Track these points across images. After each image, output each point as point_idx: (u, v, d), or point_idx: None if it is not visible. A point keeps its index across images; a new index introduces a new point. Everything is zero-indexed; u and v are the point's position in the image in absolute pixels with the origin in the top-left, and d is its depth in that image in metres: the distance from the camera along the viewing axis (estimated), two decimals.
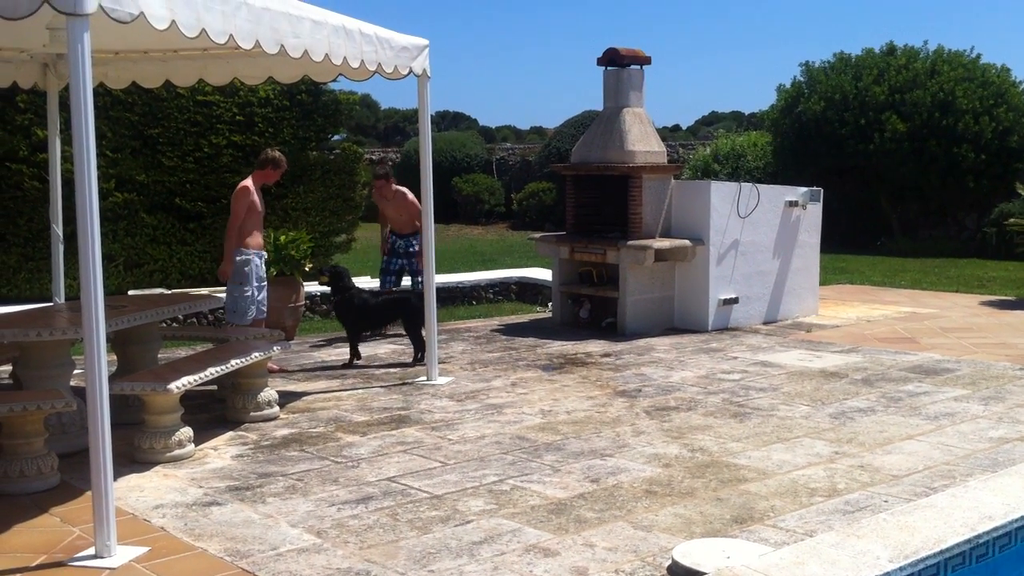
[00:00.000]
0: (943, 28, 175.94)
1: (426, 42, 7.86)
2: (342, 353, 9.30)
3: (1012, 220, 14.93)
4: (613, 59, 10.92)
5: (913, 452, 6.09)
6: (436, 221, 8.45)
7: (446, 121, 62.84)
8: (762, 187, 11.26)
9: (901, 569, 4.13)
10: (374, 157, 34.02)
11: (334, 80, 8.43)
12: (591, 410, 7.23)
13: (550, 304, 11.61)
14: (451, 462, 5.98)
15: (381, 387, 8.08)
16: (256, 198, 8.19)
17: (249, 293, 8.15)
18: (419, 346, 8.78)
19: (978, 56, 21.95)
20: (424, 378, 8.22)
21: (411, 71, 7.72)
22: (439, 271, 9.81)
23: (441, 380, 8.17)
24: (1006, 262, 17.02)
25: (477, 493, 5.40)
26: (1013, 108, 20.72)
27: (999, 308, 12.15)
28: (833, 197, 13.41)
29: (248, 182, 8.22)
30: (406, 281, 10.57)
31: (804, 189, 11.62)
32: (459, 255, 18.65)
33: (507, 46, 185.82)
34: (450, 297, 12.44)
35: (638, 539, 4.74)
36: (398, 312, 9.22)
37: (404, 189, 10.39)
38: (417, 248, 10.19)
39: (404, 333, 9.45)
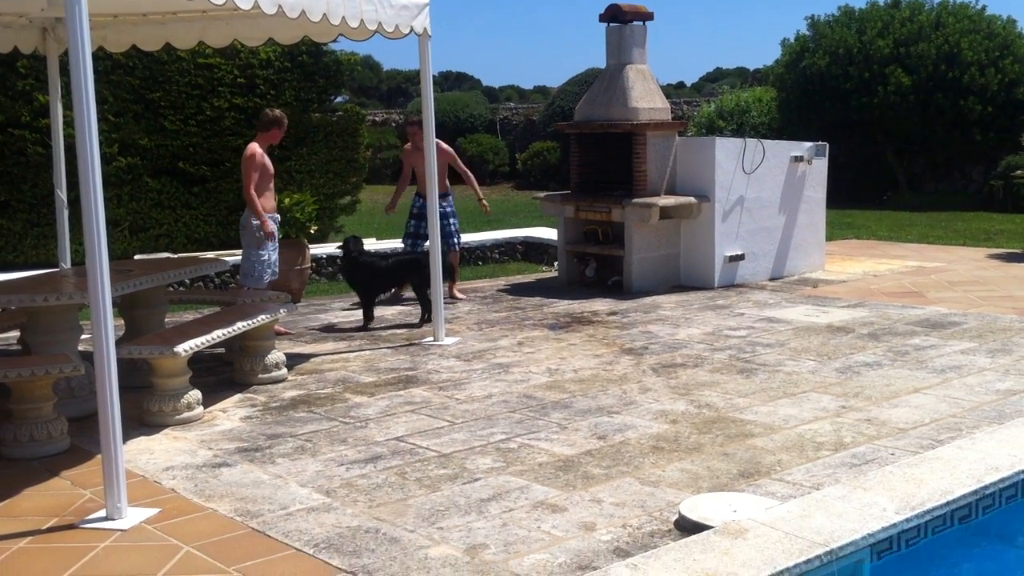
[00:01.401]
0: None
1: (426, 0, 7.79)
2: (347, 316, 9.31)
3: (1019, 172, 14.85)
4: (616, 15, 10.82)
5: (919, 405, 6.09)
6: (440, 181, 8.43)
7: (449, 82, 62.49)
8: (767, 143, 11.19)
9: (907, 520, 4.16)
10: (377, 119, 33.91)
11: (334, 40, 8.38)
12: (598, 368, 7.24)
13: (556, 263, 11.61)
14: (458, 421, 6.01)
15: (388, 348, 8.09)
16: (265, 160, 8.19)
17: (266, 257, 8.17)
18: (427, 307, 8.79)
19: (983, 8, 21.73)
20: (431, 339, 8.23)
21: (412, 30, 7.66)
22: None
23: (448, 340, 8.19)
24: (1013, 215, 16.95)
25: (485, 451, 5.43)
26: (1019, 60, 20.53)
27: (1006, 261, 12.11)
28: (839, 152, 13.33)
29: (254, 146, 8.20)
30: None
31: (809, 144, 11.55)
32: (464, 215, 18.48)
33: (509, 4, 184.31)
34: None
35: (645, 494, 4.76)
36: (407, 273, 9.21)
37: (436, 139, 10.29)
38: (450, 209, 10.12)
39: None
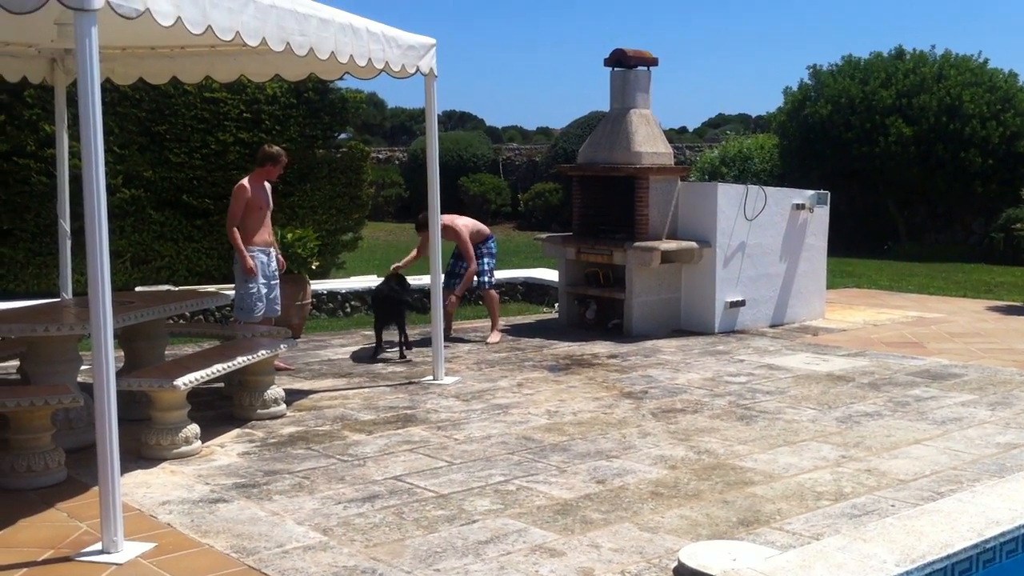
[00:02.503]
0: (951, 33, 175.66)
1: (433, 41, 7.86)
2: (346, 352, 9.33)
3: (1020, 225, 14.90)
4: (620, 60, 10.91)
5: (920, 457, 6.07)
6: None
7: (452, 121, 62.87)
8: (769, 190, 11.24)
9: (908, 573, 4.13)
10: (380, 156, 34.07)
11: (341, 78, 8.43)
12: (597, 411, 7.22)
13: (556, 305, 11.61)
14: (457, 461, 5.98)
15: (387, 386, 8.08)
16: (255, 195, 8.14)
17: (255, 290, 8.14)
18: (402, 341, 9.31)
19: (986, 61, 21.92)
20: (430, 377, 8.22)
21: (418, 70, 7.73)
22: (446, 271, 9.84)
23: (447, 380, 8.17)
24: (1013, 267, 16.98)
25: (483, 493, 5.40)
26: (1020, 113, 20.69)
27: (1006, 313, 12.12)
28: (840, 200, 13.40)
29: (245, 180, 8.22)
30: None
31: (811, 192, 11.60)
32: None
33: (514, 46, 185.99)
34: None
35: (644, 540, 4.73)
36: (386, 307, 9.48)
37: (447, 221, 9.77)
38: (485, 250, 10.32)
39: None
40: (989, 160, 20.01)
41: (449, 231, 9.87)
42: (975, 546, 4.44)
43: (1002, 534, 4.58)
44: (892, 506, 5.15)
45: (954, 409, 7.25)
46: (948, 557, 4.32)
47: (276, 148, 8.42)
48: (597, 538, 4.76)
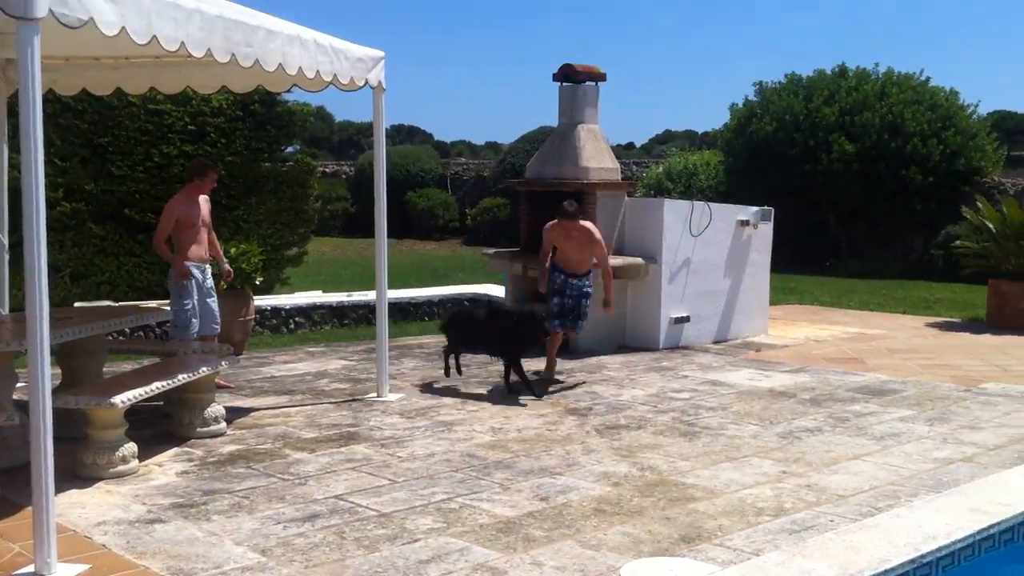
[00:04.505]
0: (894, 51, 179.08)
1: (382, 54, 7.84)
2: (290, 369, 9.24)
3: (958, 243, 15.17)
4: (568, 75, 10.96)
5: (859, 472, 6.15)
6: (389, 236, 8.39)
7: (401, 135, 62.80)
8: (714, 206, 11.35)
9: None
10: (328, 170, 33.86)
11: (288, 90, 8.37)
12: (541, 428, 7.22)
13: None
14: (400, 480, 5.94)
15: (330, 403, 8.01)
16: (186, 211, 8.02)
17: (189, 306, 8.02)
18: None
19: (927, 79, 22.36)
20: (374, 395, 8.16)
21: (367, 83, 7.70)
22: (392, 287, 9.80)
23: (391, 396, 8.13)
24: (952, 284, 17.30)
25: (425, 511, 5.37)
26: (961, 131, 21.10)
27: (944, 330, 12.35)
28: (783, 217, 13.57)
29: (178, 196, 8.12)
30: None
31: (755, 208, 11.73)
32: (412, 270, 18.60)
33: (464, 61, 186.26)
34: (402, 313, 12.39)
35: (586, 558, 4.73)
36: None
37: (589, 225, 9.09)
38: (589, 288, 9.07)
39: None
40: (930, 178, 20.36)
41: (591, 239, 8.93)
42: (911, 561, 4.49)
43: (938, 549, 4.64)
44: (831, 521, 5.21)
45: (893, 424, 7.36)
46: (886, 572, 4.37)
47: (201, 159, 8.28)
48: (539, 556, 4.75)
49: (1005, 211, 13.79)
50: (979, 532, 4.87)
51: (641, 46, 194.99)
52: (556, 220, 8.97)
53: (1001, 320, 12.88)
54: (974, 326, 12.80)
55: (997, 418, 7.64)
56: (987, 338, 11.87)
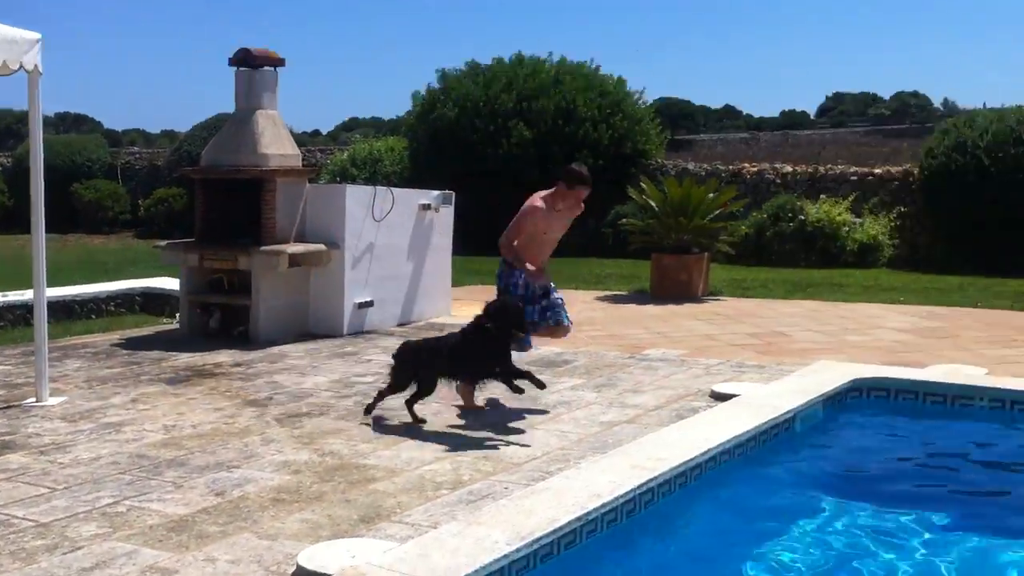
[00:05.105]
0: (567, 40, 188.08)
1: (38, 36, 7.29)
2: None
3: (625, 220, 16.17)
4: (245, 60, 10.66)
5: (533, 440, 6.39)
6: (52, 231, 7.77)
7: (67, 123, 58.79)
8: (397, 191, 11.44)
9: (518, 550, 4.32)
10: None
11: None
12: (218, 422, 6.97)
13: (178, 315, 11.11)
14: (61, 487, 5.53)
15: None
16: None
17: None
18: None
19: (597, 68, 23.63)
20: (33, 399, 7.55)
21: (21, 66, 7.15)
22: (55, 284, 9.11)
23: (52, 400, 7.55)
24: (620, 260, 18.41)
25: (89, 517, 5.03)
26: (628, 117, 22.49)
27: (613, 302, 13.12)
28: (467, 201, 13.90)
29: None
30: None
31: (437, 193, 11.93)
32: (77, 266, 17.42)
33: (136, 46, 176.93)
34: (67, 312, 11.57)
35: (263, 548, 4.61)
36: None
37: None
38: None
39: None
40: (600, 161, 21.53)
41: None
42: (579, 519, 4.73)
43: (603, 505, 4.91)
44: (506, 489, 5.37)
45: (564, 393, 7.71)
46: (555, 531, 4.57)
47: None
48: (213, 552, 4.58)
49: (666, 191, 14.85)
50: (640, 487, 5.20)
51: (324, 30, 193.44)
52: (563, 191, 7.49)
53: (663, 291, 13.88)
54: (639, 297, 13.70)
55: (657, 381, 8.20)
56: (650, 308, 12.75)
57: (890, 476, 6.41)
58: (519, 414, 7.09)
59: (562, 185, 7.48)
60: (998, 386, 7.76)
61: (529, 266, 7.35)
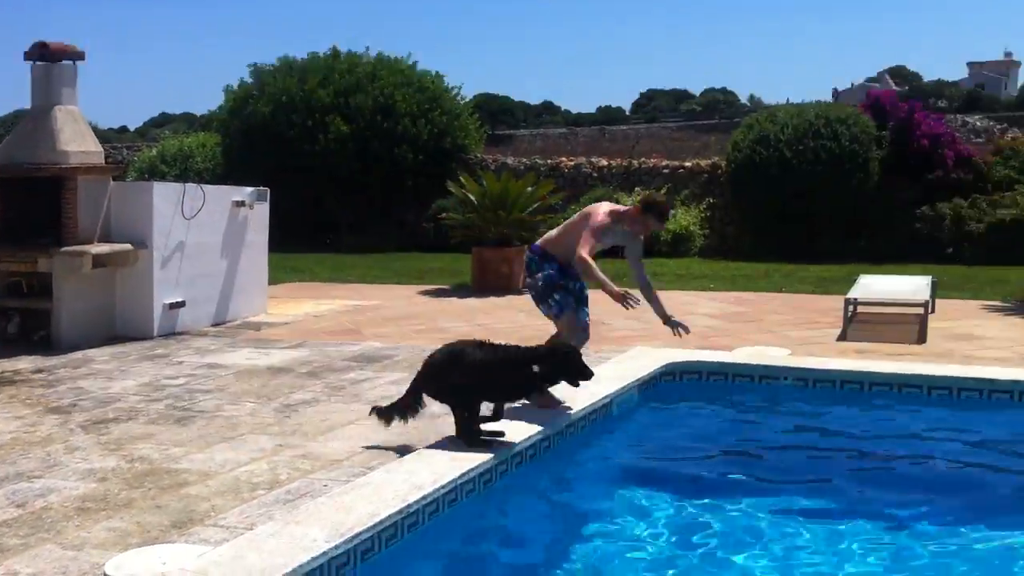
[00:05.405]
0: (384, 35, 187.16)
1: None
2: None
3: (445, 215, 16.21)
4: (43, 54, 10.16)
5: (353, 436, 6.32)
6: None
7: None
8: (208, 188, 11.12)
9: (336, 547, 4.27)
10: None
11: None
12: (18, 431, 6.59)
13: None
14: None
15: None
16: None
17: None
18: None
19: (415, 63, 23.60)
20: None
21: None
22: None
23: None
24: (442, 254, 18.46)
25: None
26: (447, 112, 22.59)
27: (435, 296, 13.13)
28: (282, 197, 13.63)
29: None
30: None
31: (251, 189, 11.67)
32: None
33: None
34: None
35: (68, 559, 4.39)
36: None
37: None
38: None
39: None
40: (420, 156, 21.58)
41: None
42: (399, 512, 4.71)
43: (424, 497, 4.90)
44: (325, 486, 5.29)
45: (386, 388, 7.65)
46: (375, 526, 4.53)
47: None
48: (14, 565, 4.32)
49: (485, 185, 14.96)
50: (459, 477, 5.23)
51: (128, 22, 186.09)
52: (634, 214, 7.16)
53: (484, 284, 13.99)
54: (461, 291, 13.76)
55: None
56: (472, 301, 12.83)
57: (697, 458, 6.66)
58: (338, 410, 7.00)
59: (637, 208, 7.27)
60: (800, 365, 8.20)
61: (614, 287, 6.88)
